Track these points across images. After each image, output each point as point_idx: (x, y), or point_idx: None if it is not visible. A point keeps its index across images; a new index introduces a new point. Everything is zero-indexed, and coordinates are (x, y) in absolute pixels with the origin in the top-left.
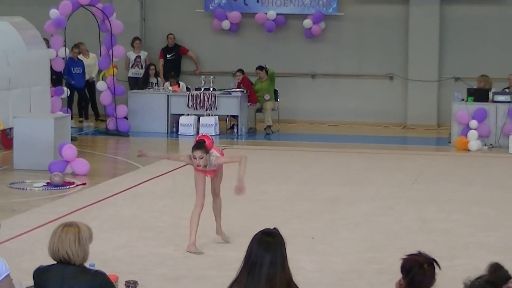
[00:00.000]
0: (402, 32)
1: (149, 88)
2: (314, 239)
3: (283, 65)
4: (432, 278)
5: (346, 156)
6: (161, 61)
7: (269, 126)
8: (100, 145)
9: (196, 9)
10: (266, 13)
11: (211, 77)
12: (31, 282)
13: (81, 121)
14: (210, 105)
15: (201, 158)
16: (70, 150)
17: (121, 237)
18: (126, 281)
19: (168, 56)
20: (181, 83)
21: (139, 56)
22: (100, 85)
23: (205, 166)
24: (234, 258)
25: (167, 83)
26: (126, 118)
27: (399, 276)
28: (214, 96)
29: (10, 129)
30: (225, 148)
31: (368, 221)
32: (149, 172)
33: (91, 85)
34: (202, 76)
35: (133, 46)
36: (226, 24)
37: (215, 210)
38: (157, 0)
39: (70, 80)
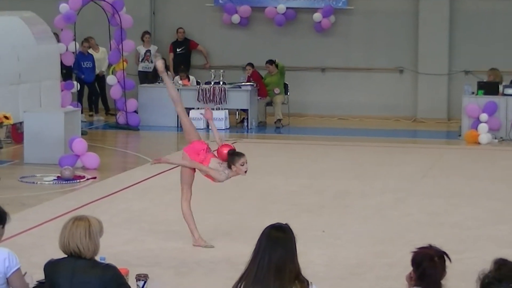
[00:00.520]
0: (412, 25)
1: (159, 82)
2: (324, 233)
3: (293, 59)
4: (442, 271)
5: (356, 150)
6: (171, 55)
7: (279, 120)
8: (110, 139)
9: (206, 3)
10: (275, 7)
11: (221, 71)
12: (41, 276)
13: (91, 115)
14: (220, 99)
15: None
16: (80, 144)
17: (131, 231)
18: (136, 275)
19: (178, 50)
20: (191, 77)
21: (149, 50)
22: (110, 79)
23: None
24: (244, 251)
25: (177, 77)
26: (136, 112)
27: (409, 269)
28: (224, 90)
29: (21, 123)
30: (235, 142)
31: (377, 215)
32: (159, 165)
33: (101, 79)
34: (212, 70)
35: (143, 40)
36: (236, 18)
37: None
38: None
39: (80, 75)
